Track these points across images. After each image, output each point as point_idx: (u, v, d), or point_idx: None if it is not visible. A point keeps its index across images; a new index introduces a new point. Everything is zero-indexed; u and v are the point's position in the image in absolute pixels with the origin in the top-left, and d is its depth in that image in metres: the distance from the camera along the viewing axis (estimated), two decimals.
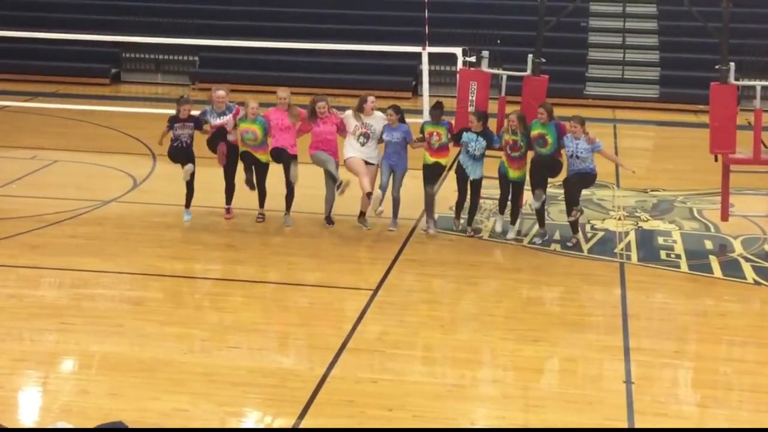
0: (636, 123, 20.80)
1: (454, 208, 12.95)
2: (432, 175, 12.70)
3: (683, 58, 22.51)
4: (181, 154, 12.77)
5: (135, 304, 10.50)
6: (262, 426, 8.17)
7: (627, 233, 13.02)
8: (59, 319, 9.97)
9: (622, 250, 12.41)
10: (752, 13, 22.42)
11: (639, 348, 9.56)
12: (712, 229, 13.26)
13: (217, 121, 12.78)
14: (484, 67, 13.17)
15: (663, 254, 12.31)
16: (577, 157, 12.05)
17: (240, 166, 12.92)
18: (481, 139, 12.42)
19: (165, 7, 24.59)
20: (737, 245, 12.63)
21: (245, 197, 13.07)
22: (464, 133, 12.53)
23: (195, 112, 12.95)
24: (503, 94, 13.07)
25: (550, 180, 12.56)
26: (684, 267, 11.90)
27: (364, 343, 9.56)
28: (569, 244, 12.41)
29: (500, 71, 13.48)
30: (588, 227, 13.06)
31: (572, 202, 12.23)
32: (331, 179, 12.61)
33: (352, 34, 22.68)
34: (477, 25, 22.78)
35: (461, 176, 12.62)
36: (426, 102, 16.86)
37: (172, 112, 12.95)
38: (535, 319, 10.26)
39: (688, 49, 22.39)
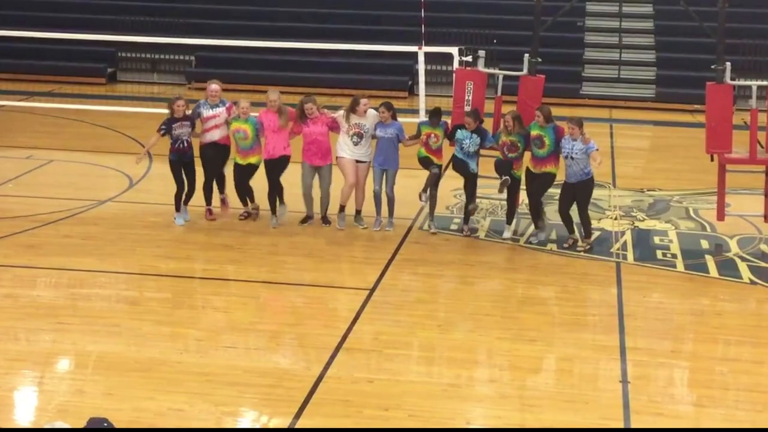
0: (632, 123, 20.82)
1: (462, 198, 12.93)
2: (428, 165, 12.66)
3: (679, 58, 22.54)
4: (186, 157, 12.72)
5: (131, 303, 10.49)
6: (258, 426, 8.16)
7: (623, 233, 13.02)
8: (55, 319, 9.96)
9: (618, 249, 12.42)
10: (748, 13, 22.43)
11: (635, 347, 9.57)
12: (708, 229, 13.27)
13: (210, 113, 12.79)
14: (481, 66, 13.18)
15: (659, 254, 12.32)
16: (572, 158, 12.04)
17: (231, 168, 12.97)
18: (475, 136, 12.43)
19: (161, 6, 24.59)
20: (733, 245, 12.64)
21: (235, 197, 13.07)
22: (458, 130, 12.53)
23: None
24: (499, 93, 13.07)
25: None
26: (680, 266, 11.91)
27: (361, 343, 9.56)
28: (565, 245, 12.41)
29: (497, 71, 13.48)
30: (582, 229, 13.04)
31: (566, 215, 12.30)
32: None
33: (349, 33, 22.69)
34: (473, 25, 22.79)
35: (459, 165, 12.58)
36: (422, 101, 16.90)
37: (167, 111, 12.92)
38: (531, 319, 10.26)
39: (685, 49, 22.41)
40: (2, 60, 23.26)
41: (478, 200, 13.30)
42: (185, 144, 12.71)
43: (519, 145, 12.32)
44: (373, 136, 12.72)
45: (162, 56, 24.15)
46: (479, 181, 13.13)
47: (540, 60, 13.00)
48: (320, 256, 12.04)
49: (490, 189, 13.08)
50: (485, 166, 12.90)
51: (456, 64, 15.17)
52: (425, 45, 17.36)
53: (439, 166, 12.71)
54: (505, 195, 12.67)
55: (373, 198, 12.77)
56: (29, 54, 23.29)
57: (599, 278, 11.47)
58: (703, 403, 8.63)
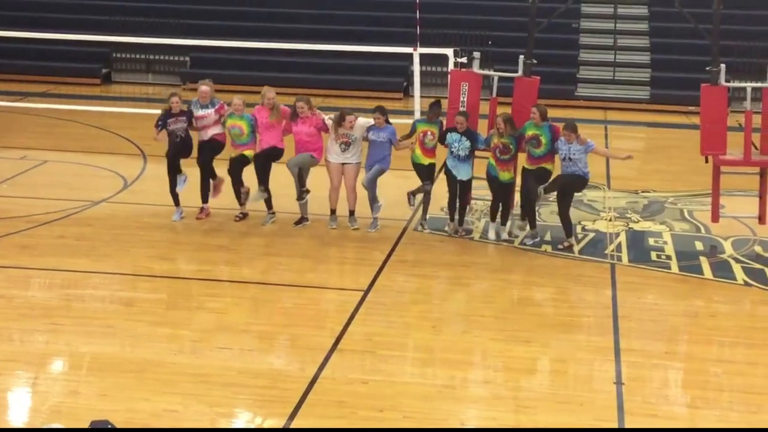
0: (627, 124, 20.83)
1: (446, 210, 12.95)
2: (424, 173, 12.71)
3: (674, 60, 22.56)
4: (181, 151, 12.84)
5: (125, 304, 10.47)
6: (252, 427, 8.15)
7: (618, 234, 13.03)
8: (49, 320, 9.94)
9: (612, 251, 12.43)
10: (743, 14, 22.47)
11: (629, 349, 9.57)
12: (703, 231, 13.28)
13: (199, 113, 12.91)
14: (476, 68, 13.19)
15: (654, 255, 12.33)
16: (570, 159, 12.05)
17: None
18: (464, 139, 12.42)
19: (156, 7, 24.55)
20: (727, 246, 12.65)
21: (227, 197, 13.07)
22: (448, 134, 12.53)
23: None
24: (494, 95, 13.09)
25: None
26: (674, 268, 11.91)
27: (355, 344, 9.55)
28: (560, 246, 12.43)
29: (491, 72, 13.48)
30: (579, 228, 13.06)
31: (552, 190, 12.27)
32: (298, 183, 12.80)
33: (344, 34, 22.67)
34: (468, 26, 22.80)
35: (450, 177, 12.62)
36: (417, 103, 16.87)
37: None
38: (525, 320, 10.26)
39: (679, 51, 22.44)
40: None
41: (473, 202, 13.32)
42: (179, 139, 12.82)
43: (511, 147, 12.33)
44: (364, 139, 12.71)
45: (157, 57, 24.11)
46: (474, 183, 13.15)
47: (535, 61, 13.02)
48: (315, 257, 12.03)
49: (484, 191, 13.07)
50: (479, 168, 12.89)
51: (451, 66, 15.16)
52: (420, 46, 17.34)
53: (432, 171, 12.71)
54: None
55: (368, 198, 12.76)
56: (24, 54, 23.23)
57: (594, 279, 11.47)
58: (697, 405, 8.63)
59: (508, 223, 12.81)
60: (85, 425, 6.61)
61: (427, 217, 12.93)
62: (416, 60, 17.34)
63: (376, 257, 11.94)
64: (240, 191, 12.93)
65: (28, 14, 24.35)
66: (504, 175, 12.45)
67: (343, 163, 12.66)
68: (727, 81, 12.37)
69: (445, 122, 12.89)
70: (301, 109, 12.60)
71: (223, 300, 10.71)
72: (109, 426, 6.02)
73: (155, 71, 24.35)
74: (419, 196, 12.90)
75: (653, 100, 22.26)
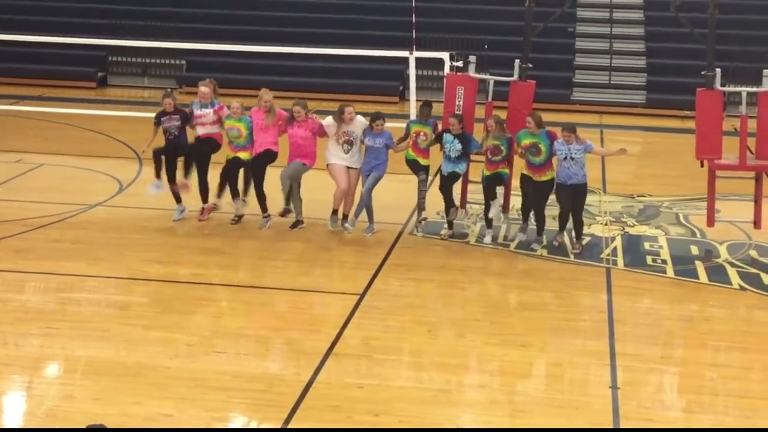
0: (623, 128, 20.83)
1: (442, 214, 12.96)
2: (416, 168, 12.72)
3: (670, 64, 22.58)
4: (173, 148, 12.95)
5: (120, 308, 10.46)
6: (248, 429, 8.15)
7: (613, 238, 13.04)
8: (44, 324, 9.93)
9: (608, 255, 12.43)
10: (738, 19, 22.52)
11: (625, 353, 9.58)
12: (698, 235, 13.29)
13: (199, 112, 13.03)
14: (471, 72, 13.19)
15: (649, 259, 12.34)
16: (572, 158, 12.05)
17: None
18: (456, 141, 12.44)
19: (152, 10, 24.54)
20: (723, 251, 12.66)
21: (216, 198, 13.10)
22: (444, 134, 12.57)
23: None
24: (490, 99, 13.08)
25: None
26: (670, 272, 11.92)
27: (351, 348, 9.55)
28: (555, 243, 12.47)
29: (487, 76, 13.49)
30: (574, 232, 13.05)
31: (567, 216, 12.30)
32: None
33: (340, 38, 22.70)
34: (464, 30, 22.82)
35: (441, 176, 12.64)
36: (413, 106, 16.92)
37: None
38: (521, 324, 10.26)
39: (675, 55, 22.47)
40: None
41: (468, 206, 13.33)
42: (172, 137, 13.00)
43: (502, 148, 12.34)
44: (362, 142, 12.73)
45: (153, 60, 24.09)
46: (470, 186, 13.17)
47: (531, 65, 13.02)
48: (310, 260, 12.03)
49: (478, 194, 13.07)
50: (474, 172, 12.90)
51: (447, 70, 15.19)
52: (416, 50, 17.38)
53: (426, 168, 12.72)
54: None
55: (364, 206, 12.75)
56: (19, 57, 23.21)
57: (589, 284, 11.48)
58: (693, 409, 8.63)
59: (503, 227, 12.81)
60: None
61: (425, 218, 12.92)
62: (412, 64, 17.39)
63: (371, 261, 11.93)
64: (236, 190, 12.96)
65: (24, 17, 24.31)
66: (494, 171, 12.45)
67: (348, 167, 12.65)
68: (722, 85, 12.39)
69: (440, 125, 12.90)
70: (298, 114, 12.62)
71: (218, 304, 10.70)
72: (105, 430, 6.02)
73: (151, 75, 24.34)
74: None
75: (649, 104, 22.30)
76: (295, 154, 12.73)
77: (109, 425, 7.74)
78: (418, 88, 17.69)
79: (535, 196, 12.39)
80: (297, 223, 12.97)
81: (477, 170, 12.90)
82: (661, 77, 22.56)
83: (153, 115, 13.43)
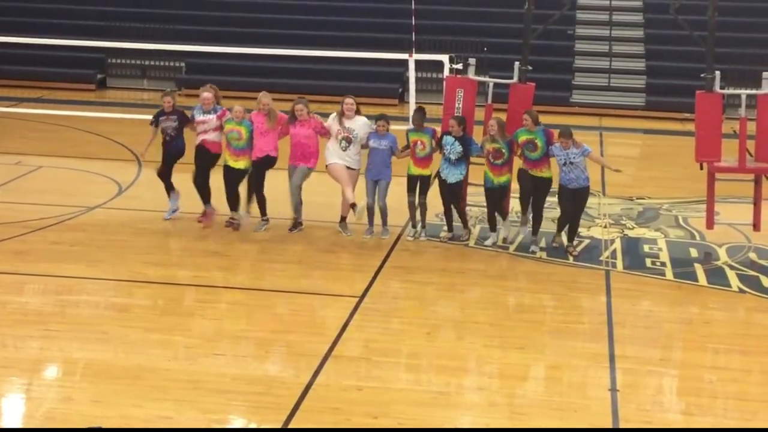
0: (622, 131, 20.85)
1: (441, 216, 12.96)
2: (414, 184, 12.70)
3: (669, 67, 22.60)
4: (170, 148, 12.99)
5: (119, 310, 10.45)
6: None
7: (612, 241, 13.04)
8: (43, 326, 9.92)
9: (607, 257, 12.43)
10: (738, 22, 22.53)
11: (624, 355, 9.57)
12: (698, 237, 13.29)
13: (201, 117, 12.98)
14: (471, 74, 13.19)
15: (648, 262, 12.33)
16: (571, 163, 12.06)
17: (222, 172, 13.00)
18: (457, 143, 12.43)
19: (151, 13, 24.55)
20: (722, 253, 12.66)
21: (223, 203, 13.06)
22: (444, 136, 12.56)
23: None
24: (490, 101, 13.07)
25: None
26: (669, 275, 11.92)
27: (350, 351, 9.54)
28: (554, 244, 12.48)
29: (487, 79, 13.49)
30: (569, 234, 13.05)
31: (570, 219, 12.31)
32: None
33: (339, 40, 22.71)
34: (464, 33, 22.83)
35: (440, 182, 12.63)
36: (413, 109, 16.87)
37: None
38: (520, 327, 10.26)
39: (675, 58, 22.49)
40: None
41: (468, 208, 13.32)
42: (168, 138, 13.05)
43: (504, 151, 12.33)
44: (363, 146, 12.70)
45: (152, 62, 24.11)
46: (470, 189, 13.17)
47: (530, 68, 13.03)
48: (309, 263, 12.02)
49: (479, 197, 13.08)
50: (474, 173, 12.90)
51: (446, 72, 15.18)
52: (416, 53, 17.37)
53: (427, 179, 12.71)
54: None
55: (366, 210, 12.73)
56: (19, 60, 23.22)
57: (588, 286, 11.47)
58: (692, 411, 8.63)
59: (503, 230, 12.81)
60: None
61: (425, 224, 12.90)
62: (412, 66, 17.37)
63: (371, 263, 11.93)
64: (234, 204, 12.95)
65: (23, 19, 24.34)
66: (500, 179, 12.46)
67: (347, 167, 12.62)
68: (721, 88, 12.42)
69: (440, 128, 12.89)
70: (299, 112, 12.59)
71: (217, 306, 10.69)
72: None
73: (150, 77, 24.34)
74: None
75: (648, 106, 22.31)
76: (298, 154, 12.66)
77: (108, 427, 7.76)
78: (417, 91, 17.69)
79: (533, 192, 12.36)
80: (296, 225, 12.96)
81: (476, 173, 12.88)
82: (661, 80, 22.58)
83: (151, 117, 13.44)
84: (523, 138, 12.25)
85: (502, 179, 12.49)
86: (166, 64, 24.07)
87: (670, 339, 10.31)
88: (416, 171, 12.67)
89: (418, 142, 12.60)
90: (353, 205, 12.47)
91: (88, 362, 9.17)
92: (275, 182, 12.98)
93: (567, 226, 12.50)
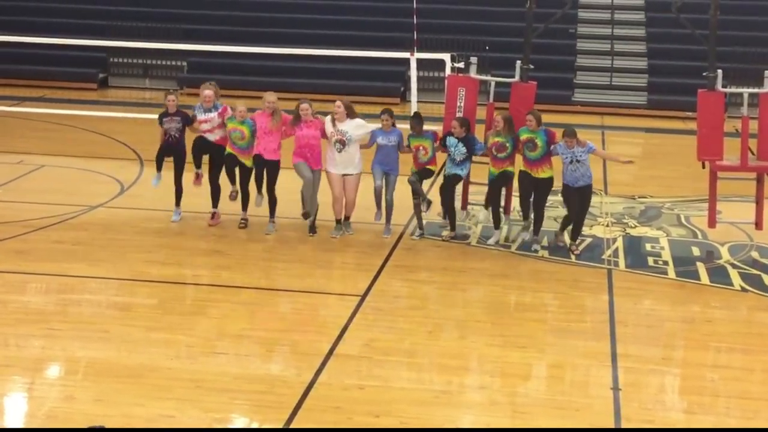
0: (624, 130, 20.83)
1: (442, 214, 12.97)
2: (419, 178, 12.71)
3: (671, 65, 22.59)
4: (172, 148, 12.94)
5: (121, 309, 10.45)
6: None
7: (615, 240, 13.03)
8: (45, 325, 9.93)
9: (609, 256, 12.42)
10: (740, 20, 22.49)
11: (626, 354, 9.57)
12: (700, 236, 13.28)
13: (203, 116, 12.95)
14: (473, 73, 13.19)
15: (650, 261, 12.33)
16: (578, 161, 12.06)
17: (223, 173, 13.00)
18: (460, 145, 12.43)
19: (153, 12, 24.54)
20: (724, 252, 12.65)
21: (230, 201, 13.04)
22: (447, 137, 12.55)
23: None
24: (491, 100, 13.08)
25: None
26: (671, 273, 11.91)
27: (352, 349, 9.54)
28: (560, 243, 12.47)
29: (488, 77, 13.48)
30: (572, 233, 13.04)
31: (576, 219, 12.32)
32: (305, 202, 12.69)
33: (341, 39, 22.71)
34: (465, 32, 22.80)
35: (448, 183, 12.64)
36: (414, 108, 16.89)
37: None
38: (522, 325, 10.26)
39: (676, 56, 22.47)
40: None
41: (469, 207, 13.32)
42: (172, 139, 12.96)
43: (508, 145, 12.34)
44: (367, 146, 12.68)
45: (154, 62, 24.10)
46: (472, 188, 13.17)
47: (532, 66, 13.02)
48: (312, 262, 12.02)
49: (481, 196, 13.07)
50: (477, 173, 12.90)
51: (448, 71, 15.18)
52: (417, 51, 17.37)
53: (431, 172, 12.72)
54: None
55: (374, 193, 12.67)
56: (20, 59, 23.22)
57: (590, 285, 11.47)
58: (694, 410, 8.63)
59: (505, 228, 12.81)
60: None
61: (422, 224, 12.91)
62: (413, 65, 17.38)
63: (373, 262, 11.93)
64: (233, 189, 12.92)
65: (25, 19, 24.33)
66: (501, 170, 12.44)
67: (343, 175, 12.60)
68: (724, 86, 12.39)
69: (440, 128, 12.89)
70: (304, 112, 12.55)
71: (219, 305, 10.69)
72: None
73: (152, 76, 24.34)
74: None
75: (650, 105, 22.29)
76: (307, 154, 12.52)
77: (110, 426, 7.76)
78: (419, 90, 17.69)
79: (534, 193, 12.37)
80: (313, 228, 12.90)
81: (478, 171, 12.89)
82: (663, 78, 22.56)
83: (153, 116, 13.45)
84: (524, 137, 12.25)
85: (504, 169, 12.47)
86: (168, 63, 24.06)
87: (672, 338, 10.31)
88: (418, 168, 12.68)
89: (420, 148, 12.58)
90: (338, 221, 12.73)
91: (90, 361, 9.18)
92: (279, 181, 12.93)
93: (570, 225, 12.49)
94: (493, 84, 13.19)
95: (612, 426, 8.23)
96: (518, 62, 12.95)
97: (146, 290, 11.05)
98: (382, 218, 12.80)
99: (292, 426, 8.04)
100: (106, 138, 18.14)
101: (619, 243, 12.92)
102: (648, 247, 12.87)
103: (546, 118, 12.58)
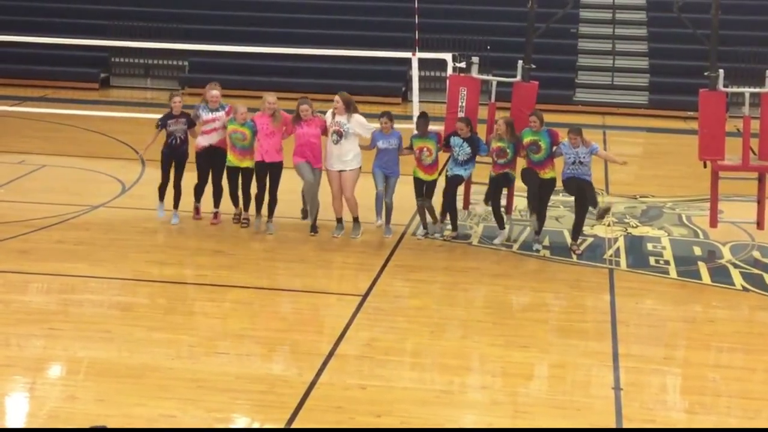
0: (625, 129, 20.83)
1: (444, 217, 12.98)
2: (421, 189, 12.67)
3: (672, 65, 22.59)
4: (177, 152, 12.89)
5: (123, 309, 10.46)
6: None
7: (616, 239, 13.03)
8: (47, 325, 9.93)
9: (611, 256, 12.42)
10: (741, 20, 22.49)
11: (628, 354, 9.57)
12: (701, 236, 13.28)
13: (209, 116, 12.90)
14: (474, 73, 13.18)
15: (652, 260, 12.33)
16: (581, 162, 12.06)
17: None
18: (465, 145, 12.43)
19: (154, 11, 24.55)
20: (726, 252, 12.65)
21: (231, 203, 13.06)
22: (452, 137, 12.54)
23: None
24: (493, 100, 13.08)
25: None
26: (673, 273, 11.91)
27: (353, 349, 9.54)
28: (573, 247, 12.45)
29: (490, 77, 13.48)
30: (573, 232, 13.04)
31: (591, 203, 12.31)
32: (305, 204, 12.72)
33: (342, 39, 22.71)
34: (467, 31, 22.80)
35: (452, 183, 12.62)
36: (416, 108, 16.90)
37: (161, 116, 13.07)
38: (523, 325, 10.26)
39: (678, 56, 22.46)
40: None
41: (471, 206, 13.33)
42: (178, 141, 12.88)
43: (508, 151, 12.33)
44: (364, 147, 12.67)
45: (155, 61, 24.11)
46: (474, 187, 13.17)
47: (533, 66, 13.02)
48: (313, 262, 12.02)
49: (482, 196, 13.07)
50: (478, 173, 12.90)
51: (449, 71, 15.19)
52: (419, 51, 17.38)
53: (432, 184, 12.68)
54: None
55: (375, 199, 12.69)
56: (22, 59, 23.24)
57: (592, 285, 11.47)
58: (696, 410, 8.62)
59: (507, 228, 12.81)
60: None
61: (427, 224, 12.91)
62: (415, 65, 17.38)
63: (374, 262, 11.93)
64: (238, 202, 12.91)
65: (26, 18, 24.34)
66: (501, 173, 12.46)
67: (341, 171, 12.60)
68: (725, 86, 12.38)
69: (443, 129, 12.89)
70: (305, 112, 12.55)
71: (220, 305, 10.69)
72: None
73: (154, 76, 24.36)
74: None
75: (652, 105, 22.29)
76: (308, 153, 12.52)
77: (112, 426, 7.76)
78: (420, 90, 17.70)
79: (538, 191, 12.34)
80: (314, 228, 12.89)
81: (481, 171, 12.88)
82: (664, 78, 22.55)
83: (155, 116, 13.42)
84: (527, 139, 12.23)
85: (505, 171, 12.45)
86: (170, 63, 24.07)
87: (673, 337, 10.31)
88: (424, 177, 12.64)
89: (424, 149, 12.56)
90: (339, 221, 12.73)
91: (92, 361, 9.18)
92: (282, 183, 12.92)
93: (571, 226, 12.49)
94: (494, 84, 13.18)
95: (613, 426, 8.23)
96: (520, 62, 12.95)
97: (147, 290, 11.05)
98: (383, 222, 12.79)
99: (293, 426, 8.04)
100: (108, 138, 18.15)
101: (621, 243, 12.92)
102: (649, 246, 12.87)
103: (548, 117, 12.57)
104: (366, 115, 13.04)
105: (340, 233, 12.79)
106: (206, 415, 8.18)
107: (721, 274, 11.86)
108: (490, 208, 12.71)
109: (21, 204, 13.93)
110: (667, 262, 12.26)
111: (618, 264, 12.16)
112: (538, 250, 12.42)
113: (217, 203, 13.14)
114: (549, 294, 11.23)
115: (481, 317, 10.47)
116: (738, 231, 13.30)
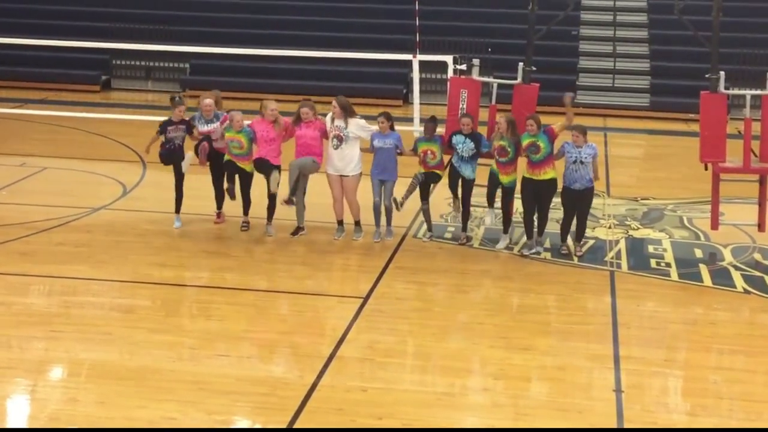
0: (626, 131, 20.83)
1: (445, 217, 12.93)
2: (427, 192, 12.67)
3: (674, 67, 22.58)
4: (175, 155, 12.86)
5: (124, 311, 10.46)
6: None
7: (617, 242, 13.03)
8: (48, 327, 9.94)
9: (612, 258, 12.42)
10: (742, 22, 22.50)
11: (629, 356, 9.56)
12: (702, 238, 13.27)
13: (205, 128, 12.91)
14: (475, 75, 13.18)
15: (653, 263, 12.32)
16: (582, 162, 12.06)
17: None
18: (468, 140, 12.42)
19: (155, 14, 24.57)
20: (727, 254, 12.64)
21: (232, 205, 13.03)
22: (454, 136, 12.54)
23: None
24: (494, 102, 13.07)
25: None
26: (674, 275, 11.91)
27: (354, 352, 9.54)
28: (563, 251, 12.44)
29: (491, 79, 13.48)
30: (576, 235, 13.04)
31: (570, 222, 12.31)
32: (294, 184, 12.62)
33: (343, 41, 22.71)
34: (468, 33, 22.81)
35: (453, 175, 12.58)
36: (417, 110, 16.90)
37: (162, 119, 13.08)
38: (525, 328, 10.26)
39: (679, 58, 22.45)
40: None
41: (472, 208, 13.31)
42: (175, 146, 12.87)
43: (509, 149, 12.31)
44: (365, 149, 12.66)
45: (156, 64, 24.12)
46: (475, 189, 13.16)
47: (534, 68, 13.02)
48: (314, 264, 12.02)
49: (481, 198, 13.06)
50: (480, 174, 12.90)
51: (450, 73, 15.18)
52: (420, 53, 17.37)
53: (425, 174, 12.68)
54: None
55: (373, 209, 12.73)
56: (23, 61, 23.27)
57: (593, 287, 11.46)
58: (697, 412, 8.62)
59: (509, 230, 12.79)
60: None
61: (432, 226, 12.92)
62: (416, 67, 17.37)
63: (375, 264, 11.93)
64: (231, 188, 12.77)
65: (28, 21, 24.36)
66: (504, 179, 12.44)
67: (342, 176, 12.59)
68: (726, 88, 12.37)
69: (444, 132, 12.88)
70: (305, 115, 12.54)
71: (221, 307, 10.69)
72: None
73: (155, 78, 24.37)
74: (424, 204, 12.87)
75: (653, 107, 22.27)
76: (305, 154, 12.57)
77: (113, 428, 7.76)
78: (421, 92, 17.68)
79: (537, 198, 12.35)
80: (298, 230, 12.91)
81: (482, 172, 12.87)
82: (665, 80, 22.55)
83: (157, 118, 13.44)
84: (526, 142, 12.22)
85: (508, 179, 12.42)
86: (171, 65, 24.08)
87: (674, 340, 10.30)
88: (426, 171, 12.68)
89: (428, 152, 12.55)
90: (339, 222, 12.70)
91: (93, 363, 9.19)
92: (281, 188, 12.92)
93: (571, 227, 12.48)
94: (495, 86, 13.18)
95: (615, 428, 8.22)
96: (521, 64, 12.94)
97: (149, 292, 11.05)
98: (381, 236, 12.77)
99: (294, 428, 8.04)
100: (109, 140, 18.15)
101: (622, 245, 12.92)
102: (650, 249, 12.87)
103: (548, 120, 12.57)
104: (366, 118, 13.05)
105: (341, 235, 12.80)
106: (207, 417, 8.18)
107: (722, 277, 11.85)
108: (499, 212, 12.70)
109: (22, 206, 13.93)
110: (668, 265, 12.26)
111: (619, 266, 12.15)
112: (538, 253, 12.41)
113: (219, 205, 13.15)
114: (550, 296, 11.23)
115: (482, 319, 10.46)
116: (739, 233, 13.30)
